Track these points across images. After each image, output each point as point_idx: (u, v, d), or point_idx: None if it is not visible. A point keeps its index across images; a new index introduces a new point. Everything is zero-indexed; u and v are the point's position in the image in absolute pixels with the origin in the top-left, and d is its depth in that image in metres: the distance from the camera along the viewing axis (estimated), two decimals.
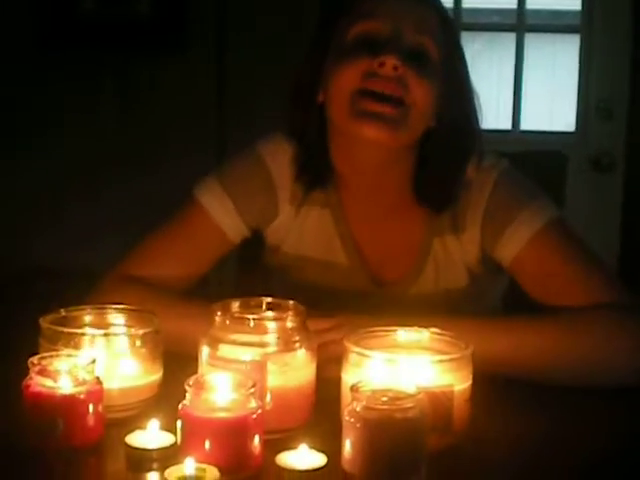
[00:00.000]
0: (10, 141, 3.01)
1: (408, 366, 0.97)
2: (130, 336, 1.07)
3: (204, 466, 0.85)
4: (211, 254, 1.42)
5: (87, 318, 1.12)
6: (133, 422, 0.97)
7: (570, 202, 1.87)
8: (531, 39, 3.13)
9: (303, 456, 0.89)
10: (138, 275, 1.35)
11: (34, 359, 0.97)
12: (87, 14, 2.99)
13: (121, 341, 1.06)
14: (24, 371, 0.96)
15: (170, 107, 2.99)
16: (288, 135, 1.44)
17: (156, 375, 1.08)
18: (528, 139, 3.10)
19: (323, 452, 0.90)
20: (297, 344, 1.02)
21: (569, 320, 1.23)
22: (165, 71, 3.00)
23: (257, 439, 0.90)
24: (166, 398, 1.03)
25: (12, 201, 2.99)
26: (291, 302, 1.07)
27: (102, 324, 1.12)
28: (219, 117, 2.98)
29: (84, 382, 0.95)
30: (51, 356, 0.99)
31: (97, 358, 0.99)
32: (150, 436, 0.94)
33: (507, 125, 3.13)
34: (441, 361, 0.99)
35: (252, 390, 0.91)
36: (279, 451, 0.90)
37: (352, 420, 0.88)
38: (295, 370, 1.01)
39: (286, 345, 1.01)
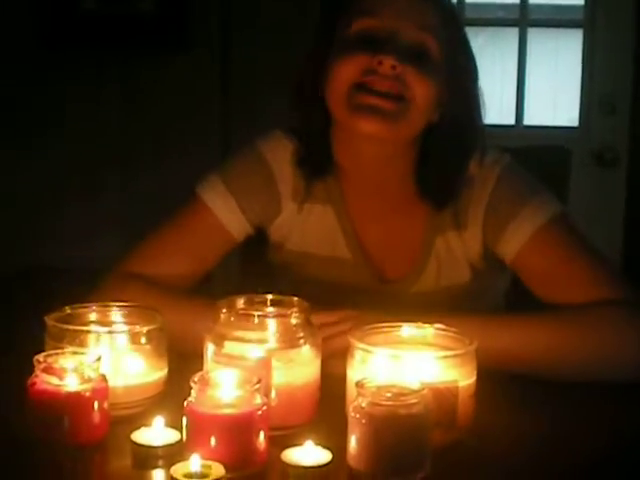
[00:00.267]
0: (11, 140, 3.01)
1: (413, 362, 0.97)
2: (135, 333, 1.07)
3: (210, 463, 0.85)
4: (215, 252, 1.42)
5: (92, 316, 1.12)
6: (138, 419, 0.98)
7: (573, 197, 1.87)
8: (534, 34, 3.13)
9: (308, 452, 0.89)
10: (141, 273, 1.35)
11: (39, 357, 0.97)
12: (88, 13, 2.97)
13: (126, 338, 1.06)
14: (29, 369, 0.97)
15: (173, 106, 2.99)
16: (288, 131, 1.45)
17: (161, 372, 1.08)
18: (531, 134, 3.10)
19: (328, 448, 0.90)
20: (302, 340, 1.02)
21: (576, 316, 1.23)
22: (168, 69, 2.99)
23: (262, 435, 0.90)
24: (171, 395, 1.03)
25: (13, 199, 3.00)
26: (295, 298, 1.07)
27: (107, 322, 1.12)
28: (223, 116, 2.98)
29: (89, 380, 0.96)
30: (56, 354, 0.99)
31: (102, 355, 0.99)
32: (155, 433, 0.94)
33: (510, 120, 3.12)
34: (445, 357, 0.99)
35: (257, 386, 0.91)
36: (284, 447, 0.91)
37: (357, 416, 0.88)
38: (300, 366, 1.01)
39: (291, 341, 1.01)
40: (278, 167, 1.43)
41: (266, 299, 1.09)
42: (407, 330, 1.06)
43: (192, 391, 0.90)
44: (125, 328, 1.10)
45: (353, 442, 0.89)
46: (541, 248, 1.32)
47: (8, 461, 0.93)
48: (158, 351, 1.08)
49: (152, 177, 2.95)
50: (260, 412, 0.90)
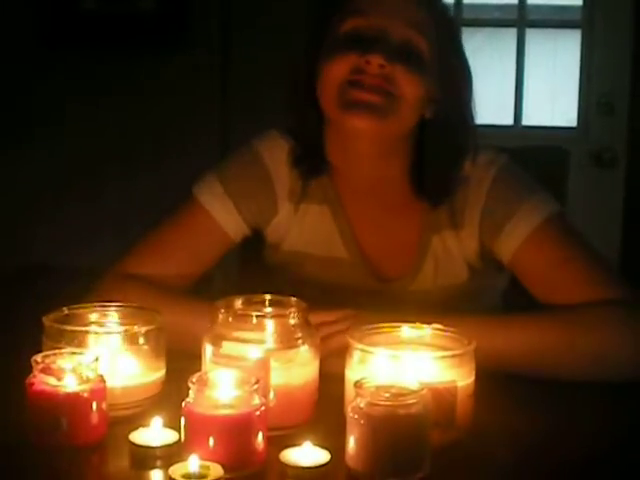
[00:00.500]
0: (11, 140, 3.01)
1: (411, 362, 0.97)
2: (133, 334, 1.06)
3: (208, 463, 0.85)
4: (212, 253, 1.42)
5: (90, 316, 1.12)
6: (137, 420, 0.98)
7: (572, 197, 1.87)
8: (532, 34, 3.13)
9: (307, 453, 0.89)
10: (138, 273, 1.35)
11: (37, 357, 0.97)
12: (88, 13, 2.97)
13: (124, 339, 1.06)
14: (27, 369, 0.97)
15: (173, 105, 2.99)
16: (284, 131, 1.45)
17: (159, 373, 1.08)
18: (529, 135, 3.10)
19: (327, 448, 0.90)
20: (300, 341, 1.02)
21: (574, 316, 1.23)
22: (168, 69, 2.99)
23: (261, 436, 0.90)
24: (169, 395, 1.03)
25: (13, 199, 2.99)
26: (293, 299, 1.07)
27: (105, 322, 1.12)
28: (222, 116, 2.98)
29: (87, 380, 0.96)
30: (54, 354, 0.99)
31: (100, 356, 0.99)
32: (154, 434, 0.94)
33: (509, 121, 3.12)
34: (444, 357, 0.99)
35: (255, 387, 0.91)
36: (283, 448, 0.91)
37: (356, 416, 0.88)
38: (298, 367, 1.01)
39: (289, 342, 1.01)
40: (274, 167, 1.44)
41: (264, 299, 1.09)
42: (406, 330, 1.06)
43: (190, 391, 0.90)
44: (123, 328, 1.09)
45: (351, 442, 0.89)
46: (538, 248, 1.32)
47: (6, 462, 0.93)
48: (156, 351, 1.08)
49: (152, 177, 2.94)
50: (258, 412, 0.90)
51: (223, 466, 0.85)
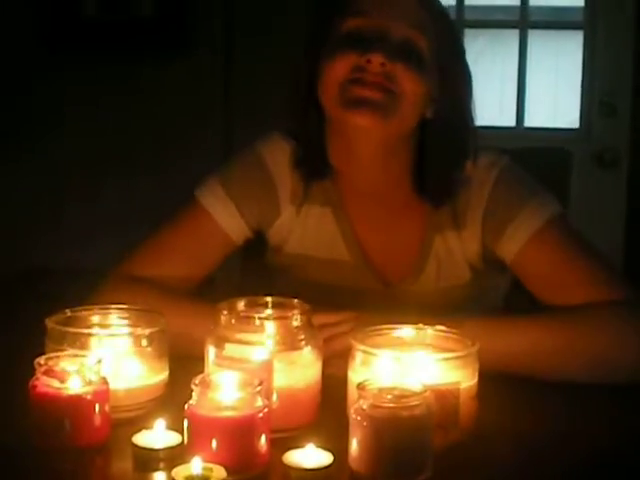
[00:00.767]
0: (12, 142, 3.01)
1: (414, 364, 0.97)
2: (136, 336, 1.07)
3: (211, 465, 0.85)
4: (214, 256, 1.42)
5: (93, 318, 1.12)
6: (140, 422, 0.98)
7: (575, 198, 1.87)
8: (534, 36, 3.13)
9: (310, 455, 0.89)
10: (141, 275, 1.35)
11: (40, 360, 0.97)
12: (89, 20, 2.97)
13: (127, 341, 1.06)
14: (30, 371, 0.97)
15: (175, 108, 2.99)
16: (286, 134, 1.45)
17: (162, 375, 1.08)
18: (532, 136, 3.10)
19: (330, 450, 0.90)
20: (303, 342, 1.02)
21: (577, 317, 1.23)
22: (169, 72, 2.99)
23: (264, 438, 0.90)
24: (172, 398, 1.03)
25: (13, 201, 3.00)
26: (296, 301, 1.07)
27: (108, 324, 1.12)
28: (225, 118, 2.98)
29: (90, 382, 0.96)
30: (57, 356, 0.99)
31: (103, 358, 0.99)
32: (157, 436, 0.94)
33: (511, 122, 3.13)
34: (447, 359, 0.99)
35: (258, 389, 0.91)
36: (286, 450, 0.90)
37: (359, 418, 0.88)
38: (301, 368, 1.01)
39: (292, 344, 1.01)
40: (277, 170, 1.44)
41: (267, 301, 1.09)
42: (408, 332, 1.06)
43: (193, 394, 0.90)
44: (126, 330, 1.10)
45: (354, 444, 0.89)
46: (540, 250, 1.32)
47: (9, 464, 0.93)
48: (159, 353, 1.08)
49: (153, 180, 2.95)
50: (261, 414, 0.90)
51: (226, 468, 0.85)
